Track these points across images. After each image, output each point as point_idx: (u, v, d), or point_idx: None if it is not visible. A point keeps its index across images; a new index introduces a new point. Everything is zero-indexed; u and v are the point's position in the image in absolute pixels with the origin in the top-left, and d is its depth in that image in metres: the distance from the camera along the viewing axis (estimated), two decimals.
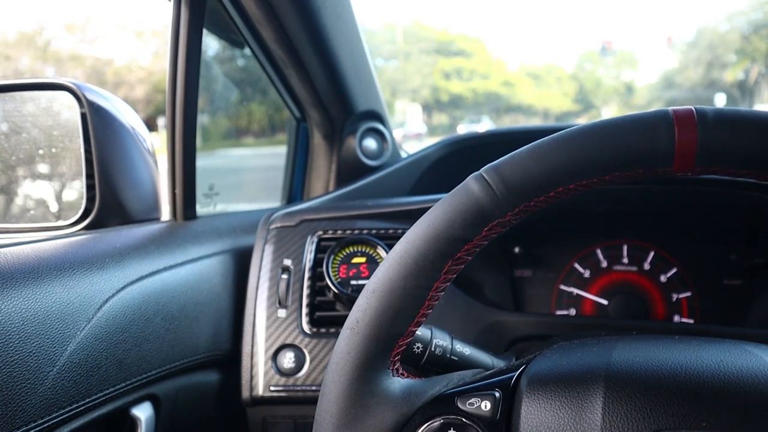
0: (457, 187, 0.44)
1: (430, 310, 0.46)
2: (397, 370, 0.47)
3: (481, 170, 0.43)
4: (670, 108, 0.42)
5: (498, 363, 0.65)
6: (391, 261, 0.44)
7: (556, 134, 0.43)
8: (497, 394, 0.46)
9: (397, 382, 0.47)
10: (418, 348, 0.59)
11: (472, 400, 0.46)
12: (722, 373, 0.42)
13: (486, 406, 0.45)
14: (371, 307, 0.44)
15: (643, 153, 0.41)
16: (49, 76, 0.90)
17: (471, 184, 0.43)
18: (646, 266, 0.98)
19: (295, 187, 1.23)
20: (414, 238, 0.44)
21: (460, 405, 0.46)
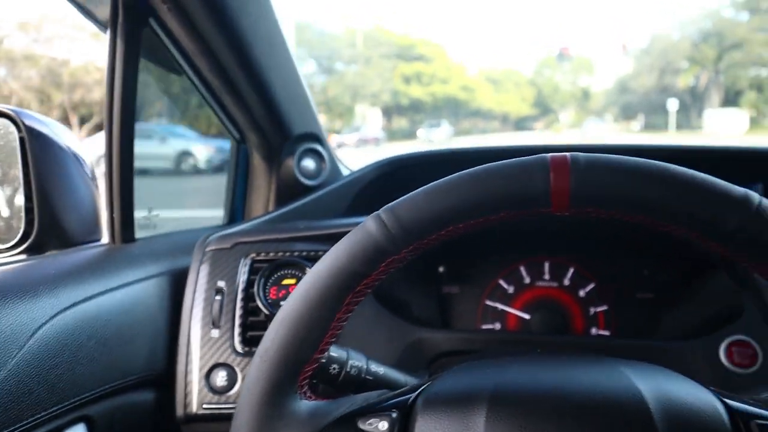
0: (358, 225, 0.47)
1: (334, 339, 0.49)
2: (305, 393, 0.50)
3: (380, 211, 0.46)
4: (549, 154, 0.45)
5: (411, 381, 0.67)
6: (299, 292, 0.48)
7: (448, 177, 0.46)
8: (394, 415, 0.49)
9: (304, 405, 0.50)
10: (334, 369, 0.62)
11: (371, 420, 0.48)
12: (594, 393, 0.46)
13: (383, 426, 0.48)
14: (279, 336, 0.47)
15: (524, 196, 0.44)
16: None
17: (369, 224, 0.46)
18: (566, 282, 1.03)
19: (237, 206, 1.25)
20: (318, 271, 0.47)
21: (360, 425, 0.48)
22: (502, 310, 1.03)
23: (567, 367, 0.51)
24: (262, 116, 1.10)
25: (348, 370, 0.63)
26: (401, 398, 0.51)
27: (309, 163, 1.21)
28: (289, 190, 1.20)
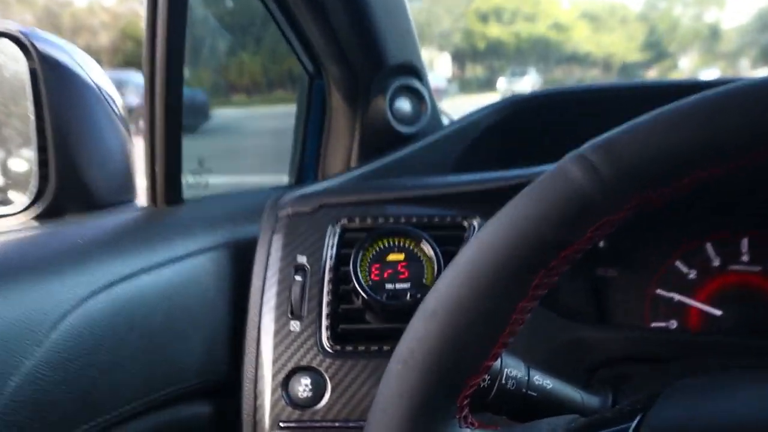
0: (550, 171, 0.42)
1: (512, 338, 0.43)
2: (465, 418, 0.45)
3: (583, 148, 0.42)
4: None
5: (590, 401, 0.63)
6: (460, 272, 0.43)
7: (693, 97, 0.41)
8: None
9: None
10: (484, 381, 0.57)
11: None
12: None
13: None
14: (432, 334, 0.42)
15: None
16: None
17: (570, 168, 0.41)
18: None
19: (308, 162, 1.22)
20: (492, 241, 0.42)
21: None
22: (680, 303, 0.95)
23: None
24: (350, 38, 1.06)
25: (503, 382, 0.58)
26: (613, 429, 0.45)
27: (404, 105, 1.16)
28: (377, 139, 1.16)
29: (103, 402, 0.69)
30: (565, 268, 0.43)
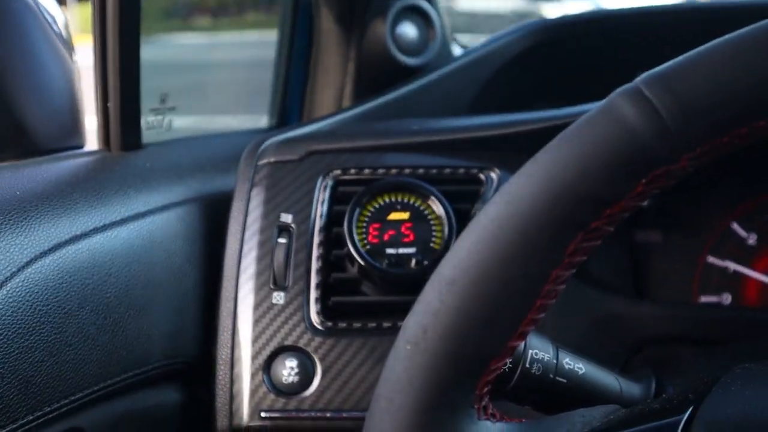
0: (594, 110, 0.41)
1: (543, 314, 0.43)
2: (485, 409, 0.45)
3: (637, 81, 0.40)
4: None
5: (630, 389, 0.62)
6: (483, 234, 0.42)
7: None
8: None
9: (485, 429, 0.45)
10: (504, 364, 0.54)
11: None
12: None
13: None
14: (449, 308, 0.41)
15: None
16: None
17: (621, 105, 0.40)
18: None
19: (291, 100, 1.21)
20: (522, 195, 0.41)
21: None
22: (736, 273, 0.96)
23: None
24: None
25: (527, 365, 0.57)
26: (659, 423, 0.44)
27: (409, 30, 1.15)
28: (376, 72, 1.14)
29: (49, 390, 0.68)
30: (609, 231, 0.42)
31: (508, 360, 0.55)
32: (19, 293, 0.67)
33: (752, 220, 0.96)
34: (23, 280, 0.67)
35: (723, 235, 0.96)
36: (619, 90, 0.41)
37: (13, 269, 0.67)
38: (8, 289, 0.66)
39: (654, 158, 0.40)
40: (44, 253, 0.70)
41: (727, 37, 0.40)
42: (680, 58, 0.40)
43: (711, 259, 0.96)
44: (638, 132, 0.39)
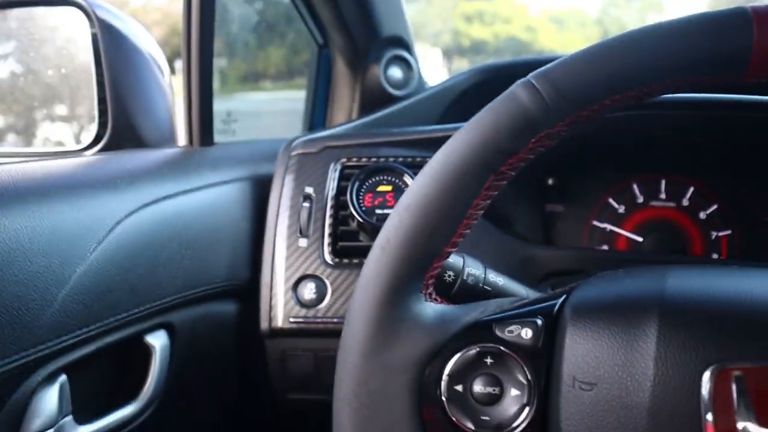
0: (503, 94, 0.41)
1: (468, 231, 0.43)
2: (431, 294, 0.44)
3: (530, 76, 0.41)
4: (750, 5, 0.37)
5: (533, 294, 0.61)
6: (428, 174, 0.41)
7: (613, 37, 0.40)
8: (539, 322, 0.42)
9: (430, 308, 0.44)
10: (449, 276, 0.56)
11: (512, 327, 0.42)
12: None
13: (527, 334, 0.42)
14: (405, 224, 0.41)
15: (714, 56, 0.37)
16: None
17: (518, 91, 0.40)
18: (685, 202, 0.93)
19: (317, 116, 1.19)
20: (454, 148, 0.41)
21: (498, 333, 0.42)
22: (612, 232, 0.94)
23: (747, 273, 0.43)
24: (350, 11, 1.03)
25: (465, 278, 0.56)
26: (544, 305, 0.44)
27: (396, 72, 1.13)
28: (373, 100, 1.13)
29: (147, 292, 0.68)
30: (512, 175, 0.42)
31: (452, 273, 0.55)
32: (130, 228, 0.66)
33: (622, 196, 0.95)
34: (132, 221, 0.67)
35: (603, 206, 0.95)
36: (517, 82, 0.41)
37: (126, 213, 0.66)
38: (123, 225, 0.65)
39: (538, 124, 0.40)
40: (145, 205, 0.69)
41: (586, 47, 0.40)
42: (559, 60, 0.41)
43: (595, 223, 0.95)
44: (528, 108, 0.40)
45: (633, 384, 0.37)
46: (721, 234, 0.92)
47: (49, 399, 0.58)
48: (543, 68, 0.40)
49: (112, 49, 0.82)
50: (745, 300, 0.39)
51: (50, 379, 0.58)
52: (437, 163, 0.41)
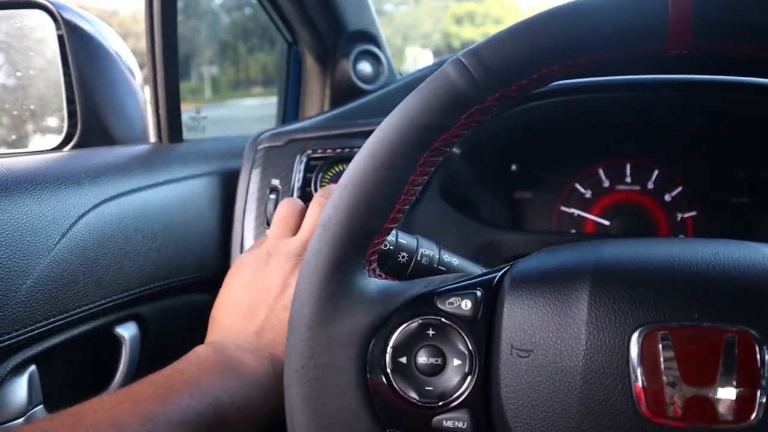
0: (434, 73, 0.41)
1: (407, 206, 0.43)
2: (374, 270, 0.45)
3: (459, 54, 0.41)
4: None
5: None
6: (364, 154, 0.42)
7: (537, 12, 0.40)
8: (478, 293, 0.44)
9: (373, 283, 0.45)
10: (403, 257, 0.57)
11: (452, 299, 0.43)
12: (717, 263, 0.40)
13: (466, 305, 0.43)
14: (343, 202, 0.42)
15: (633, 28, 0.38)
16: None
17: (447, 69, 0.40)
18: (650, 185, 0.95)
19: (289, 111, 1.21)
20: (387, 127, 0.42)
21: (439, 305, 0.43)
22: (579, 216, 0.96)
23: (680, 242, 0.45)
24: (314, 8, 1.05)
25: (418, 258, 0.58)
26: (485, 278, 0.45)
27: (366, 67, 1.15)
28: (344, 94, 1.14)
29: (114, 284, 0.69)
30: (446, 150, 0.43)
31: (406, 254, 0.57)
32: (94, 220, 0.67)
33: (588, 181, 0.96)
34: (97, 213, 0.68)
35: (570, 191, 0.96)
36: (448, 60, 0.41)
37: (90, 206, 0.68)
38: (88, 217, 0.67)
39: (468, 100, 0.40)
40: (110, 198, 0.71)
41: (511, 25, 0.41)
42: (488, 37, 0.41)
43: (563, 208, 0.96)
44: (458, 84, 0.40)
45: (566, 348, 0.39)
46: (686, 215, 0.94)
47: (19, 389, 0.59)
48: (472, 46, 0.41)
49: (79, 49, 0.83)
50: (671, 265, 0.40)
51: (19, 369, 0.59)
52: (373, 142, 0.42)
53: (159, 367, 0.71)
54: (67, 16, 0.84)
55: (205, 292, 0.86)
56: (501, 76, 0.40)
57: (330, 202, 0.43)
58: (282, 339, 0.59)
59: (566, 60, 0.39)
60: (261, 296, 0.62)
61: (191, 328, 0.80)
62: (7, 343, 0.57)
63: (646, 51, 0.39)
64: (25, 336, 0.59)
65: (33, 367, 0.61)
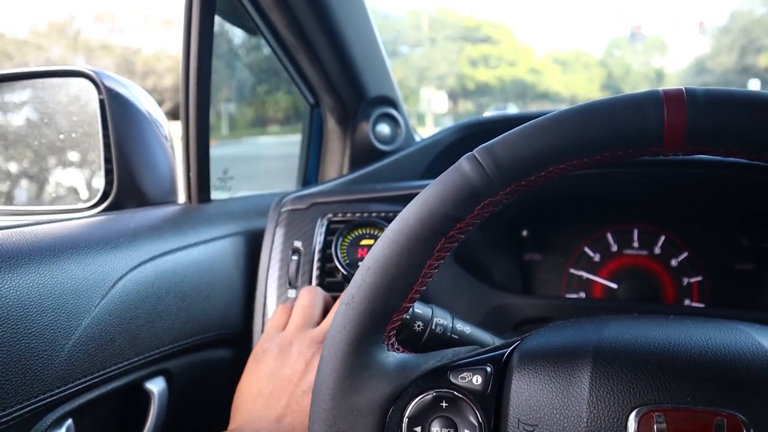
0: (451, 167, 0.45)
1: (424, 287, 0.47)
2: (392, 344, 0.48)
3: (474, 151, 0.44)
4: (661, 88, 0.42)
5: (499, 342, 0.63)
6: (386, 239, 0.45)
7: (548, 115, 0.44)
8: (488, 369, 0.47)
9: (392, 356, 0.47)
10: (418, 326, 0.60)
11: (464, 374, 0.46)
12: (710, 349, 0.43)
13: (477, 380, 0.46)
14: (366, 283, 0.45)
15: (633, 133, 0.41)
16: (76, 64, 0.92)
17: (463, 164, 0.44)
18: (657, 250, 0.97)
19: (310, 172, 1.24)
20: (408, 216, 0.45)
21: (452, 379, 0.46)
22: (588, 279, 0.98)
23: (677, 324, 0.48)
24: (337, 76, 1.09)
25: (433, 327, 0.61)
26: (495, 353, 0.49)
27: (384, 128, 1.19)
28: (363, 155, 1.18)
29: (146, 342, 0.72)
30: (462, 237, 0.46)
31: (421, 323, 0.60)
32: (130, 283, 0.70)
33: (597, 245, 0.98)
34: (132, 276, 0.71)
35: (579, 255, 0.99)
36: (463, 156, 0.44)
37: (127, 269, 0.71)
38: (124, 280, 0.70)
39: (481, 194, 0.43)
40: (145, 261, 0.74)
41: (524, 125, 0.43)
42: (500, 136, 0.43)
43: (572, 271, 0.99)
44: (473, 179, 0.43)
45: (569, 425, 0.41)
46: (692, 280, 0.96)
47: None
48: (487, 143, 0.44)
49: (117, 113, 0.87)
50: (667, 349, 0.43)
51: (58, 423, 0.63)
52: (394, 228, 0.45)
53: (185, 421, 0.74)
54: (108, 83, 0.89)
55: (229, 347, 0.88)
56: (512, 173, 0.43)
57: (353, 283, 0.47)
58: (303, 423, 0.62)
59: (572, 160, 0.43)
60: (283, 383, 0.65)
61: (216, 382, 0.85)
62: (50, 399, 0.60)
63: (646, 153, 0.43)
64: (66, 393, 0.62)
65: (70, 421, 0.64)
